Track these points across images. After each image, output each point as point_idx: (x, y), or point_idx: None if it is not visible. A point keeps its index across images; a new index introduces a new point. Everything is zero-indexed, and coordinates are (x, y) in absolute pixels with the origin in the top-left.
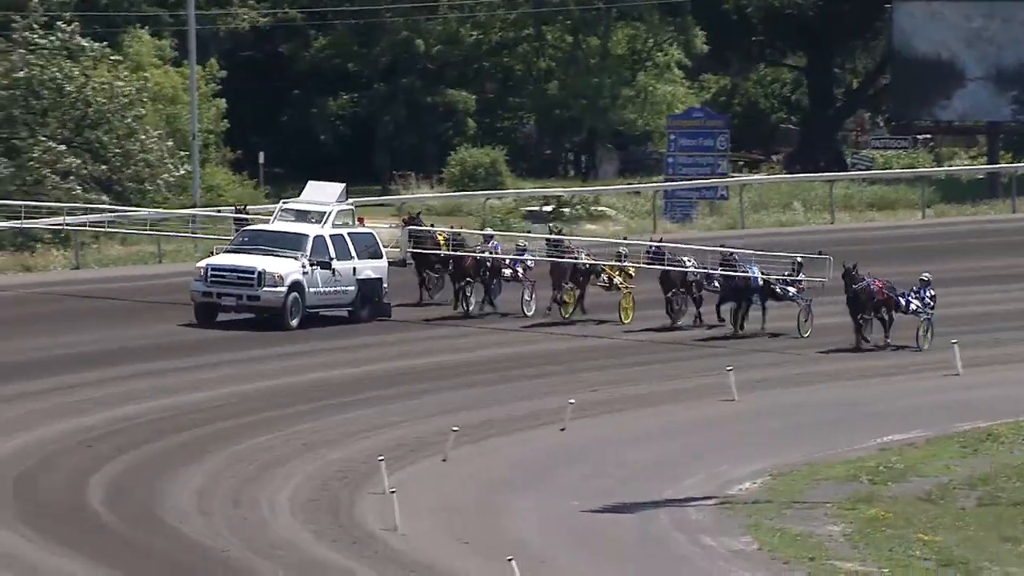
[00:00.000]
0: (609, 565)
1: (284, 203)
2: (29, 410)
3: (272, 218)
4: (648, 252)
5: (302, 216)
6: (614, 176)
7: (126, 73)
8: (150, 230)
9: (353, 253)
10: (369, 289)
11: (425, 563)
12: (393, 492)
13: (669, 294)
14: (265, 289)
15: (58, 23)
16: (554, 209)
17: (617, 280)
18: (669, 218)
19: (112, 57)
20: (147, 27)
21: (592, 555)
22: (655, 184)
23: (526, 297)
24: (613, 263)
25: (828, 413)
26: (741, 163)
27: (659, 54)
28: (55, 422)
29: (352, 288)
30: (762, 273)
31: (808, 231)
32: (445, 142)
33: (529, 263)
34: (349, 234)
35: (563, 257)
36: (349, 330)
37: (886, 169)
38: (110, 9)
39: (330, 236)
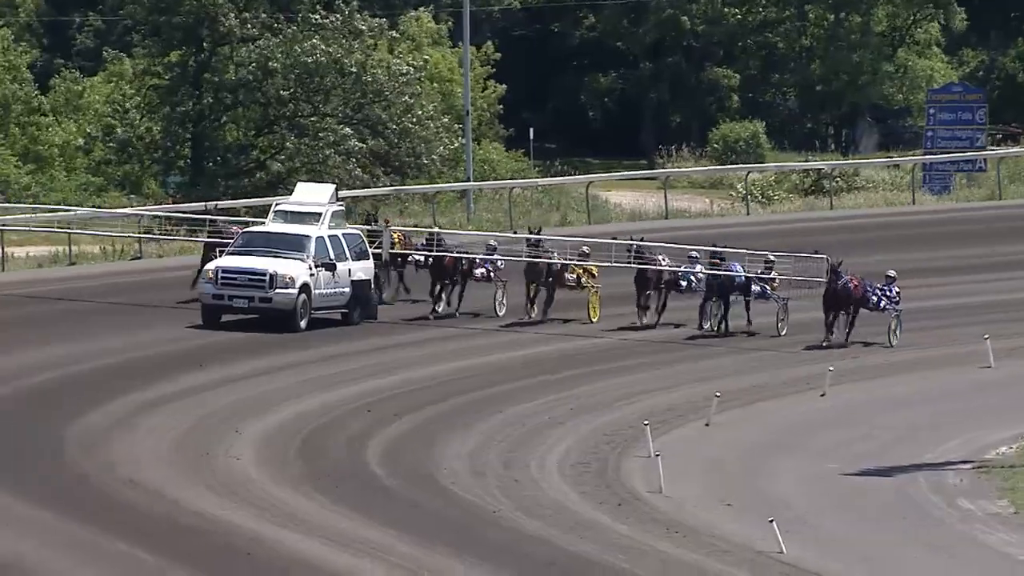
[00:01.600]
0: (867, 526)
1: (277, 204)
2: (312, 376)
3: (267, 220)
4: (628, 251)
5: (296, 217)
6: (874, 149)
7: (404, 52)
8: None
9: (348, 254)
10: (361, 290)
11: (689, 524)
12: (658, 455)
13: (645, 293)
14: (277, 291)
15: (338, 2)
16: (814, 182)
17: (584, 279)
18: (928, 190)
19: (391, 34)
20: (424, 9)
21: (851, 517)
22: (914, 157)
23: (499, 298)
24: (579, 262)
25: None
26: (999, 136)
27: (918, 31)
28: (338, 388)
29: (347, 290)
30: (745, 271)
31: None
32: (708, 117)
33: (499, 264)
34: (343, 235)
35: (539, 258)
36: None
37: None
38: None
39: (328, 237)
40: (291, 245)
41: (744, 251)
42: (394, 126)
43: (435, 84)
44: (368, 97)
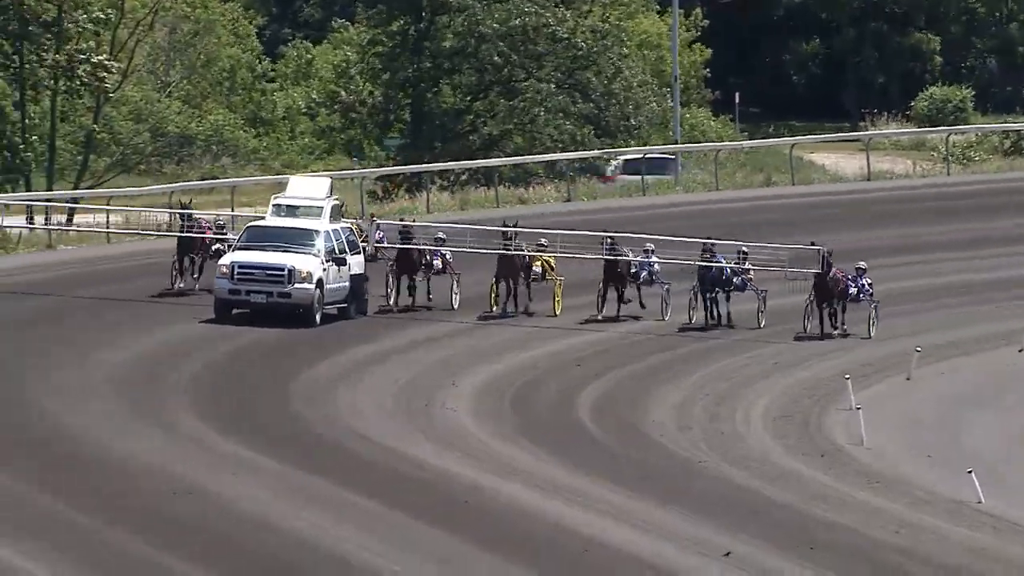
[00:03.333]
0: None
1: (275, 198)
2: (522, 332)
3: (267, 213)
4: (603, 244)
5: (296, 211)
6: None
7: (614, 18)
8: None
9: (347, 248)
10: (358, 284)
11: (889, 475)
12: (859, 408)
13: (613, 285)
14: (296, 286)
15: None
16: (1013, 143)
17: (547, 273)
18: None
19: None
20: None
21: None
22: None
23: (455, 289)
24: (539, 253)
25: None
26: None
27: None
28: (546, 343)
29: (346, 284)
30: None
31: None
32: (911, 81)
33: (448, 256)
34: (341, 229)
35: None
36: None
37: None
38: None
39: (331, 231)
40: (299, 239)
41: (716, 242)
42: (603, 89)
43: (647, 51)
44: (579, 62)
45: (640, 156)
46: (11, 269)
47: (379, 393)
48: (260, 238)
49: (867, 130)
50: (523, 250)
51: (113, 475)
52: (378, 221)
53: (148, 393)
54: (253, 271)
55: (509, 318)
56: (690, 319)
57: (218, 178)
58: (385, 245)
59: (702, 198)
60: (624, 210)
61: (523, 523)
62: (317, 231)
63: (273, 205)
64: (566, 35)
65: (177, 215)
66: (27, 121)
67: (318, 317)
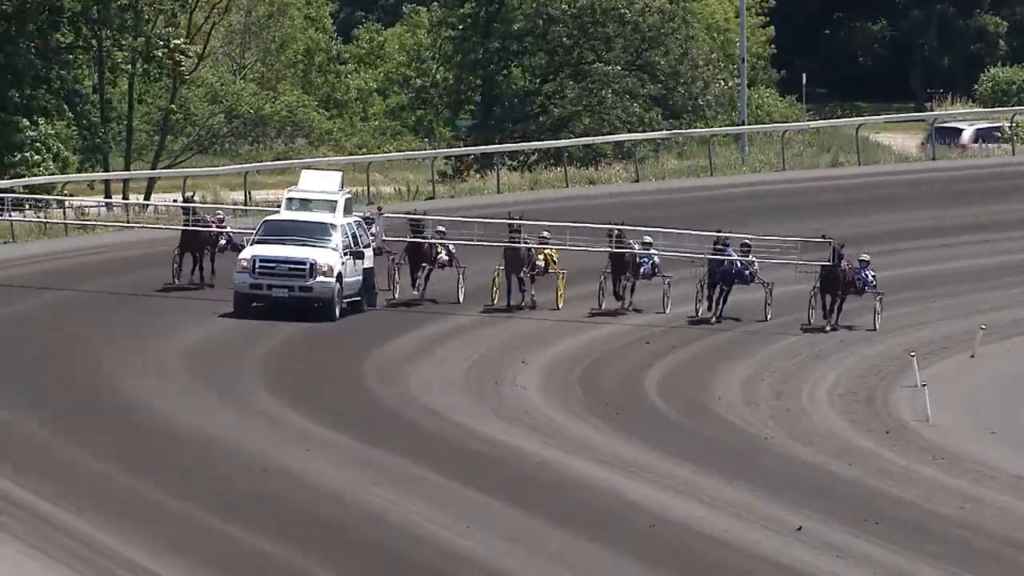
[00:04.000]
0: None
1: (289, 192)
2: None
3: (281, 207)
4: (609, 236)
5: (311, 205)
6: None
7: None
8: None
9: (360, 242)
10: (369, 277)
11: (954, 451)
12: (924, 386)
13: (622, 277)
14: (318, 280)
15: None
16: None
17: (550, 267)
18: None
19: None
20: None
21: None
22: None
23: (461, 283)
24: (543, 246)
25: None
26: None
27: None
28: (615, 322)
29: (360, 278)
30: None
31: None
32: (976, 63)
33: (451, 248)
34: (354, 223)
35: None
36: None
37: None
38: None
39: (346, 225)
40: (317, 233)
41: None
42: (670, 70)
43: (714, 34)
44: (646, 43)
45: (991, 126)
46: (90, 248)
47: (450, 370)
48: (278, 232)
49: (932, 111)
50: (527, 243)
51: (189, 452)
52: (386, 214)
53: (222, 372)
54: (275, 265)
55: (514, 311)
56: (697, 312)
57: (292, 158)
58: (392, 238)
59: (768, 178)
60: (690, 190)
61: (592, 499)
62: (335, 225)
63: (287, 199)
64: (634, 17)
65: (181, 209)
66: (106, 103)
67: (338, 311)
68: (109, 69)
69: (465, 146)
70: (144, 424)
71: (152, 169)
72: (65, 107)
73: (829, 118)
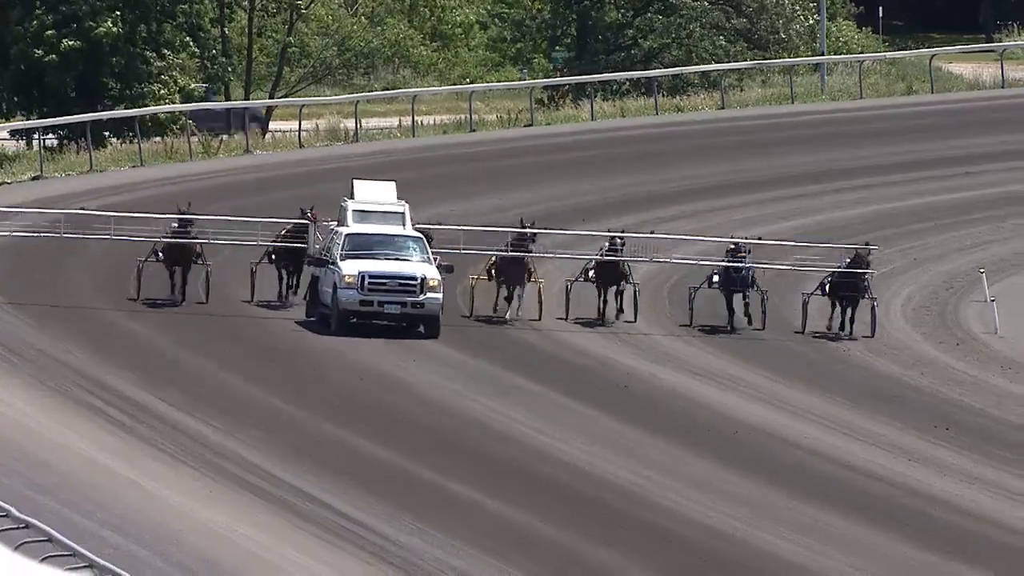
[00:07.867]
0: None
1: (356, 204)
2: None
3: (348, 218)
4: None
5: (379, 217)
6: None
7: None
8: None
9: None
10: None
11: (1021, 361)
12: (993, 300)
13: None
14: (428, 296)
15: None
16: None
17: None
18: None
19: None
20: None
21: None
22: None
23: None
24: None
25: None
26: None
27: None
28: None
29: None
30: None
31: None
32: None
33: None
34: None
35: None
36: None
37: None
38: None
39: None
40: (405, 246)
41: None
42: (756, 5)
43: None
44: None
45: None
46: (212, 172)
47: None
48: (366, 246)
49: (1002, 42)
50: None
51: (311, 364)
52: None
53: None
54: (385, 281)
55: (500, 324)
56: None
57: (399, 88)
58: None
59: (847, 106)
60: (770, 116)
61: (679, 406)
62: (418, 238)
63: (355, 211)
64: None
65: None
66: (226, 37)
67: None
68: (228, 4)
69: (561, 76)
70: (266, 339)
71: (270, 99)
72: (189, 40)
73: (903, 49)
